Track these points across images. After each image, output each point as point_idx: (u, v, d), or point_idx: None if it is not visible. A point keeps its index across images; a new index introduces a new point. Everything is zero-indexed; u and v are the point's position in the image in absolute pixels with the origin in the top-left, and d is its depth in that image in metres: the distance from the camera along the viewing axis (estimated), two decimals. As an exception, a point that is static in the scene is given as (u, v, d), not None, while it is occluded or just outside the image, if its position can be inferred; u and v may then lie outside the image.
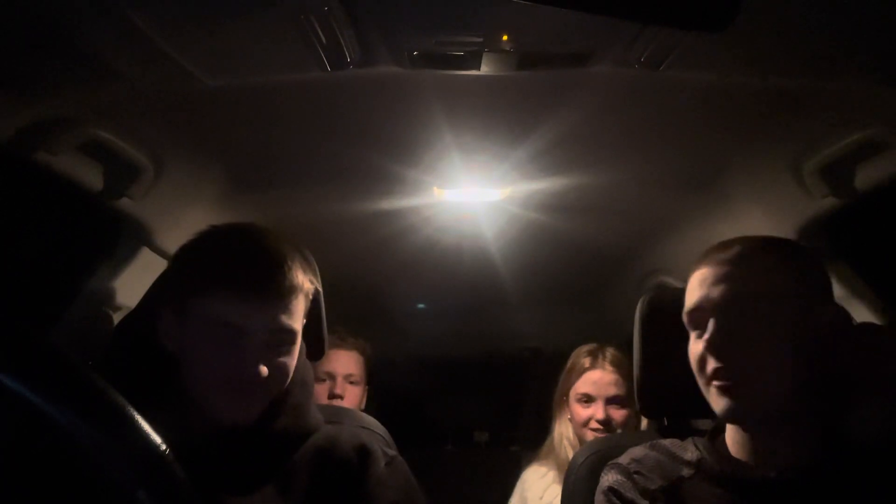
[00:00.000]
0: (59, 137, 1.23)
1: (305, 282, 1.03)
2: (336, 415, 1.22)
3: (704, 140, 1.48)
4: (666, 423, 1.27)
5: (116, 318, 1.52)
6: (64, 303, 1.43)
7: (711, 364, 0.96)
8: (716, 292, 0.97)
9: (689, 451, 1.05)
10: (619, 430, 1.87)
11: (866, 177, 1.38)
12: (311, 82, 1.22)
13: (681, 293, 1.05)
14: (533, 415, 3.11)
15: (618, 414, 1.89)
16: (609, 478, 1.06)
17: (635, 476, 1.03)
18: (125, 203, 1.46)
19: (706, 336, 0.96)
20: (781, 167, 1.48)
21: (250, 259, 1.00)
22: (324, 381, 2.04)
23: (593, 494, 1.14)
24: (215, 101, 1.29)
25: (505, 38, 1.05)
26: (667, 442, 1.09)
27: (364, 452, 1.07)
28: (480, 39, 1.05)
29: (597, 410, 1.90)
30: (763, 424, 0.97)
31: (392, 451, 1.14)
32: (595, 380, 1.93)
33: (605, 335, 2.21)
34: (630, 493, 1.02)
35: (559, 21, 1.00)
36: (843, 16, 0.96)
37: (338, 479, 1.04)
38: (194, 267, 1.02)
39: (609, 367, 1.94)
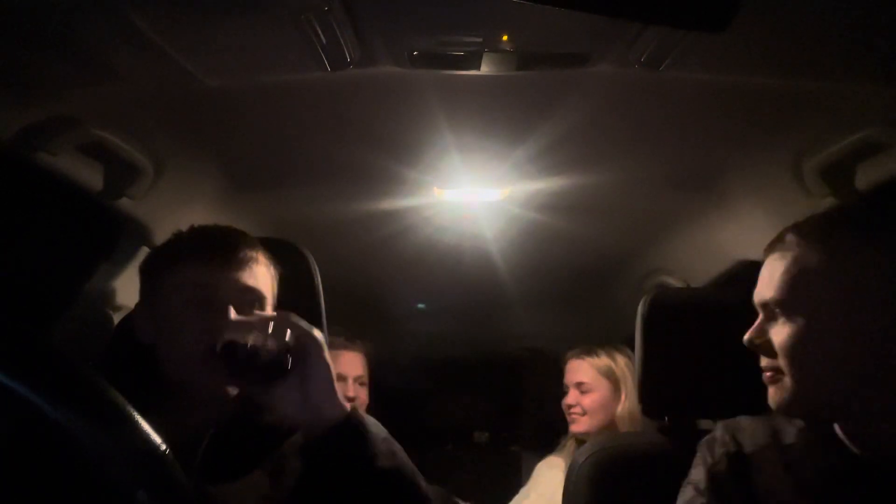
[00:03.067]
0: (59, 137, 1.23)
1: (270, 264, 1.09)
2: None
3: (704, 140, 1.48)
4: (668, 422, 1.27)
5: (116, 318, 1.52)
6: (64, 303, 1.43)
7: (763, 361, 0.95)
8: (764, 286, 0.96)
9: (799, 423, 1.02)
10: (587, 412, 2.02)
11: (866, 177, 1.38)
12: (311, 82, 1.22)
13: (682, 293, 1.05)
14: (533, 415, 3.11)
15: (584, 398, 2.05)
16: (713, 434, 1.06)
17: (737, 434, 1.03)
18: (125, 203, 1.46)
19: (752, 329, 0.95)
20: (781, 167, 1.48)
21: (209, 233, 1.08)
22: None
23: (594, 494, 1.14)
24: (215, 101, 1.29)
25: (505, 38, 1.05)
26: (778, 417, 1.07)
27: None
28: (480, 39, 1.05)
29: (569, 396, 2.09)
30: (815, 416, 0.95)
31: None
32: (568, 369, 2.13)
33: (606, 335, 2.22)
34: (724, 449, 1.02)
35: (559, 21, 1.00)
36: (843, 16, 0.96)
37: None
38: (160, 254, 1.09)
39: (579, 357, 2.12)
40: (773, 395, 0.94)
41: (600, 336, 2.22)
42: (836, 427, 0.95)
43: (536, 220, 1.93)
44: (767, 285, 0.95)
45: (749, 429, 1.04)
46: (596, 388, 2.03)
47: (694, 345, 1.24)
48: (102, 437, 0.52)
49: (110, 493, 0.52)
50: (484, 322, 3.04)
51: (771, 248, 0.97)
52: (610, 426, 2.01)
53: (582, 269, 2.49)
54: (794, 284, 0.92)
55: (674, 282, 2.18)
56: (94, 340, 1.43)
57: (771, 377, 0.95)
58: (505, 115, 1.37)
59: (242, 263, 1.04)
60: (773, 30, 0.99)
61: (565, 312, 2.90)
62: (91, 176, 1.37)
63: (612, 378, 2.03)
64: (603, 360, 2.07)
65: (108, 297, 1.53)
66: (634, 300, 1.31)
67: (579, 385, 2.06)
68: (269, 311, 1.06)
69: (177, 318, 1.00)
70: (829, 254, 0.90)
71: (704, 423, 1.24)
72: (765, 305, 0.96)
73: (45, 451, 0.52)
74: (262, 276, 1.06)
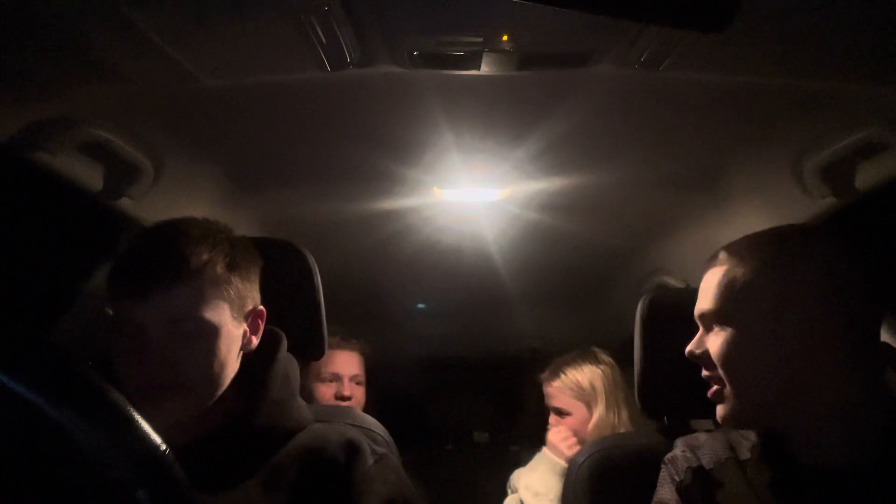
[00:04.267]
0: (59, 137, 1.23)
1: (211, 266, 0.96)
2: (330, 414, 1.21)
3: (704, 140, 1.48)
4: (666, 422, 1.27)
5: (116, 318, 1.52)
6: (64, 303, 1.43)
7: (707, 370, 0.99)
8: (703, 298, 1.00)
9: (752, 438, 1.05)
10: (568, 435, 1.98)
11: (866, 177, 1.38)
12: (311, 82, 1.22)
13: (681, 293, 1.05)
14: (533, 415, 3.11)
15: (564, 422, 2.02)
16: (674, 452, 1.09)
17: (697, 451, 1.07)
18: (125, 203, 1.46)
19: (693, 342, 1.00)
20: (781, 167, 1.48)
21: (135, 252, 0.97)
22: (329, 382, 2.04)
23: (593, 494, 1.14)
24: (215, 101, 1.29)
25: (505, 38, 1.05)
26: (732, 431, 1.11)
27: (351, 449, 1.04)
28: (480, 39, 1.05)
29: (550, 419, 2.07)
30: (765, 425, 0.98)
31: (382, 449, 1.10)
32: (547, 392, 2.09)
33: (605, 335, 2.22)
34: (686, 465, 1.05)
35: (559, 21, 1.00)
36: (843, 16, 0.96)
37: (324, 477, 1.01)
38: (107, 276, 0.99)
39: (550, 380, 2.08)
40: (719, 409, 0.99)
41: (600, 336, 2.22)
42: (787, 439, 0.99)
43: (536, 220, 1.93)
44: (703, 299, 1.01)
45: (708, 444, 1.07)
46: (571, 410, 2.00)
47: (694, 345, 1.23)
48: (102, 437, 0.52)
49: (110, 493, 0.52)
50: (484, 322, 3.04)
51: (707, 265, 1.03)
52: (592, 435, 2.00)
53: (582, 269, 2.49)
54: (725, 297, 0.97)
55: (674, 282, 2.18)
56: (94, 340, 1.43)
57: (714, 392, 0.99)
58: (505, 115, 1.37)
59: (166, 287, 0.94)
60: (773, 30, 1.00)
61: (565, 312, 2.90)
62: (91, 176, 1.37)
63: (583, 398, 2.00)
64: (571, 378, 2.02)
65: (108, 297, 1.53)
66: (634, 300, 1.31)
67: (557, 410, 2.03)
68: (214, 330, 0.98)
69: (114, 353, 0.95)
70: (756, 269, 0.96)
71: (703, 424, 1.24)
72: (702, 317, 1.01)
73: (45, 451, 0.52)
74: (198, 294, 0.96)
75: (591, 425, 1.96)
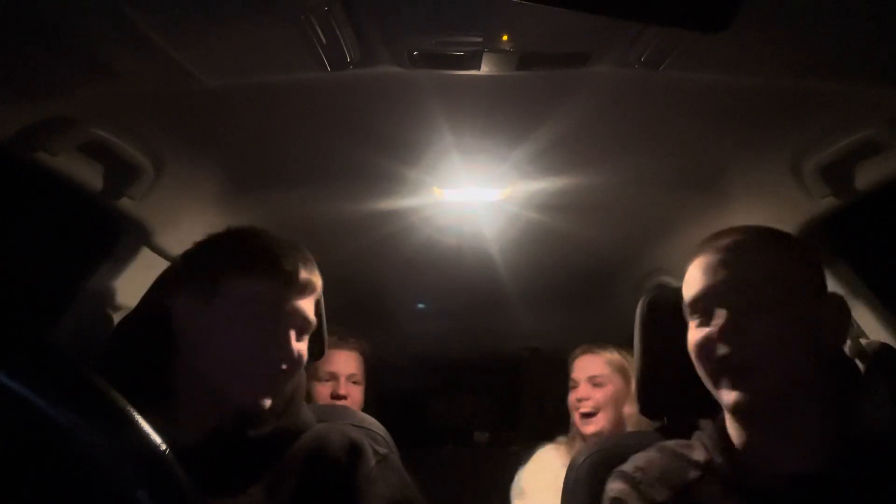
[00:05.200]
0: (59, 137, 1.23)
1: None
2: (331, 414, 1.21)
3: (704, 140, 1.48)
4: (666, 422, 1.27)
5: (116, 318, 1.52)
6: (64, 303, 1.43)
7: (721, 351, 0.93)
8: (724, 278, 0.95)
9: (697, 450, 1.03)
10: (598, 403, 2.00)
11: (866, 177, 1.38)
12: (311, 82, 1.22)
13: (681, 293, 1.05)
14: (533, 415, 3.11)
15: (597, 392, 2.02)
16: (614, 487, 1.04)
17: (641, 486, 1.01)
18: (125, 203, 1.46)
19: (717, 322, 0.94)
20: (781, 167, 1.48)
21: (291, 249, 1.07)
22: (326, 381, 2.04)
23: (593, 494, 1.14)
24: (215, 101, 1.28)
25: (505, 38, 1.05)
26: (672, 443, 1.08)
27: (354, 451, 1.06)
28: (480, 39, 1.05)
29: (579, 391, 2.05)
30: (769, 418, 0.95)
31: (383, 450, 1.11)
32: (579, 365, 2.11)
33: (605, 335, 2.21)
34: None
35: (559, 21, 1.00)
36: (843, 16, 0.96)
37: (326, 479, 1.02)
38: (232, 252, 1.06)
39: (591, 352, 2.11)
40: (736, 396, 0.94)
41: (600, 336, 2.22)
42: (734, 441, 0.99)
43: (536, 220, 1.93)
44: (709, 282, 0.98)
45: (650, 475, 1.02)
46: (609, 381, 2.02)
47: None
48: (102, 438, 0.52)
49: (110, 493, 0.52)
50: (484, 322, 3.04)
51: (701, 251, 1.01)
52: (619, 426, 2.00)
53: (582, 269, 2.49)
54: (742, 281, 0.95)
55: (674, 282, 2.18)
56: (94, 340, 1.43)
57: (729, 374, 0.94)
58: (505, 115, 1.37)
59: (306, 291, 1.06)
60: (773, 30, 0.99)
61: (565, 312, 2.90)
62: (91, 176, 1.37)
63: (624, 374, 2.02)
64: (615, 356, 2.06)
65: (108, 297, 1.53)
66: (634, 300, 1.31)
67: (592, 378, 2.04)
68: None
69: (240, 329, 1.00)
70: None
71: (702, 424, 1.24)
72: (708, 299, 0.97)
73: (46, 451, 0.52)
74: (314, 303, 1.09)
75: (629, 407, 1.96)
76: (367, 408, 2.10)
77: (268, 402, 1.00)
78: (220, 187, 1.68)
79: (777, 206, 1.60)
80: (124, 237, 1.56)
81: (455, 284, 2.61)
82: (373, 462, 1.06)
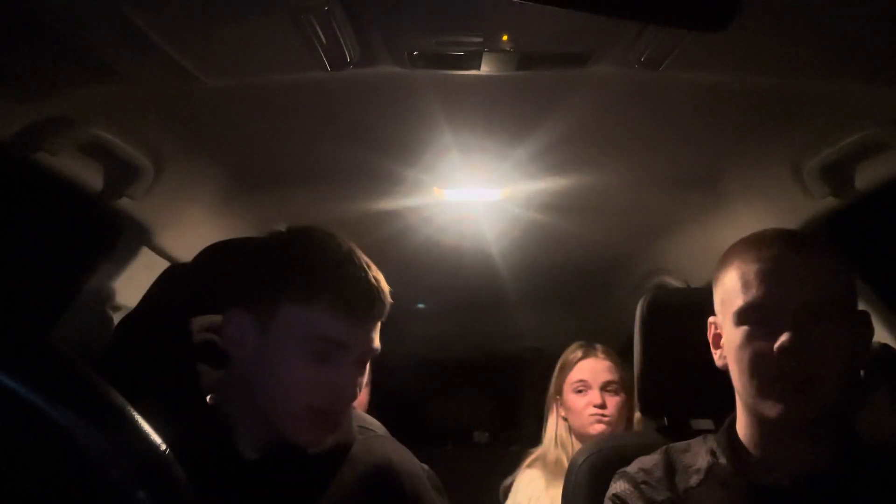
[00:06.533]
0: (59, 137, 1.23)
1: None
2: None
3: (704, 140, 1.48)
4: (666, 422, 1.27)
5: (116, 318, 1.52)
6: (64, 303, 1.43)
7: (784, 364, 0.89)
8: (786, 290, 0.92)
9: (702, 456, 1.03)
10: (614, 417, 1.90)
11: (866, 177, 1.38)
12: (311, 82, 1.22)
13: (681, 293, 1.05)
14: (533, 415, 3.11)
15: (612, 400, 1.92)
16: (617, 486, 1.04)
17: (642, 486, 1.01)
18: (125, 203, 1.46)
19: (782, 336, 0.89)
20: (781, 167, 1.48)
21: (358, 273, 0.93)
22: None
23: (594, 494, 1.14)
24: (215, 101, 1.29)
25: (505, 38, 1.05)
26: (679, 446, 1.07)
27: (412, 472, 1.04)
28: (480, 39, 1.05)
29: (593, 397, 1.93)
30: (808, 427, 0.92)
31: (425, 466, 1.11)
32: (589, 367, 1.98)
33: (605, 335, 2.21)
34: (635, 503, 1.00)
35: (559, 21, 1.00)
36: (843, 16, 0.96)
37: (388, 499, 1.00)
38: (293, 271, 0.91)
39: (601, 355, 2.00)
40: (778, 406, 0.90)
41: (600, 336, 2.22)
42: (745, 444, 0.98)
43: (536, 220, 1.93)
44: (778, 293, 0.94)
45: (653, 476, 1.01)
46: (622, 389, 1.92)
47: (693, 345, 1.23)
48: (102, 438, 0.52)
49: (110, 494, 0.52)
50: (484, 322, 3.03)
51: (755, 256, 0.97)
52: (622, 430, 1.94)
53: (582, 269, 2.49)
54: (813, 294, 0.92)
55: (674, 282, 2.18)
56: (94, 340, 1.43)
57: (789, 388, 0.90)
58: (505, 115, 1.37)
59: (379, 318, 0.96)
60: (773, 30, 0.99)
61: (565, 312, 2.90)
62: (91, 176, 1.37)
63: (631, 382, 1.96)
64: (616, 360, 1.98)
65: (108, 297, 1.53)
66: (634, 300, 1.31)
67: (607, 385, 1.93)
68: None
69: (298, 363, 0.89)
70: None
71: (702, 424, 1.24)
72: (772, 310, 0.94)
73: (45, 451, 0.52)
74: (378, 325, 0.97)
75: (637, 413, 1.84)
76: (367, 408, 2.10)
77: (330, 440, 0.95)
78: (220, 187, 1.68)
79: (777, 206, 1.60)
80: (124, 237, 1.56)
81: (455, 285, 2.61)
82: (431, 487, 1.06)
